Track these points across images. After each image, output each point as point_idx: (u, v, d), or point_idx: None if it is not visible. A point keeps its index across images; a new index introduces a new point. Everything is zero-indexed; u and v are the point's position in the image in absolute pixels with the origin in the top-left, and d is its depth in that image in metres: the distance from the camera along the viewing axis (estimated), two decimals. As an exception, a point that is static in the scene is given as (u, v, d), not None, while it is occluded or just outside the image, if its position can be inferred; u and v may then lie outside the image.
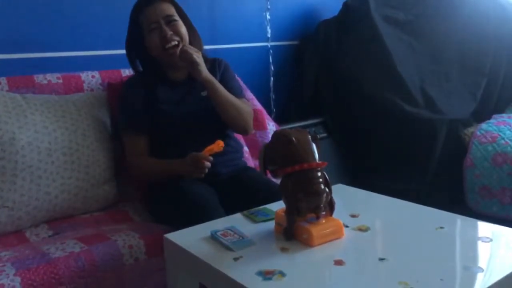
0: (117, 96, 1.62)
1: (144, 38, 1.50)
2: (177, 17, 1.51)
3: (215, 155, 1.29)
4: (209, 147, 1.27)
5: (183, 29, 1.50)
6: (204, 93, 1.50)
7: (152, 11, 1.48)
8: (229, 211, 1.24)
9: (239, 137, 1.79)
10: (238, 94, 1.57)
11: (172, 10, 1.51)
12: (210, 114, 1.49)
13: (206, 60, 1.53)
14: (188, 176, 1.35)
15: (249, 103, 1.66)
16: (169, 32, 1.46)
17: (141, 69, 1.62)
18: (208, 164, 1.29)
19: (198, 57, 1.42)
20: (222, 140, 1.30)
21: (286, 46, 2.73)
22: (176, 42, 1.47)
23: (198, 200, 1.30)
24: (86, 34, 1.95)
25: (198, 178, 1.35)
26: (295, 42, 2.77)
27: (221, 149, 1.27)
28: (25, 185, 1.37)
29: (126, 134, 1.50)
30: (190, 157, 1.31)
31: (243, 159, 1.67)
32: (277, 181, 1.04)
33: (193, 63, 1.40)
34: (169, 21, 1.48)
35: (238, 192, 1.42)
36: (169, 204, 1.37)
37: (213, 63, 1.61)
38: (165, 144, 1.49)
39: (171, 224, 1.29)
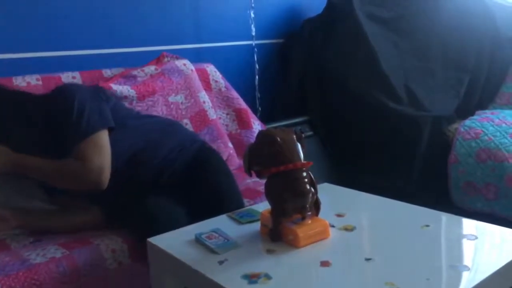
0: None
1: None
2: None
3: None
4: None
5: None
6: None
7: None
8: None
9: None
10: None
11: None
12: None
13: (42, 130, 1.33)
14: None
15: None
16: None
17: None
18: None
19: None
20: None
21: (271, 44, 2.72)
22: None
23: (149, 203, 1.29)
24: (66, 33, 1.90)
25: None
26: (280, 40, 2.76)
27: None
28: (3, 192, 1.34)
29: None
30: None
31: (174, 152, 1.43)
32: (262, 181, 1.03)
33: None
34: None
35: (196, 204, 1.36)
36: (125, 210, 1.35)
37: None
38: None
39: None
